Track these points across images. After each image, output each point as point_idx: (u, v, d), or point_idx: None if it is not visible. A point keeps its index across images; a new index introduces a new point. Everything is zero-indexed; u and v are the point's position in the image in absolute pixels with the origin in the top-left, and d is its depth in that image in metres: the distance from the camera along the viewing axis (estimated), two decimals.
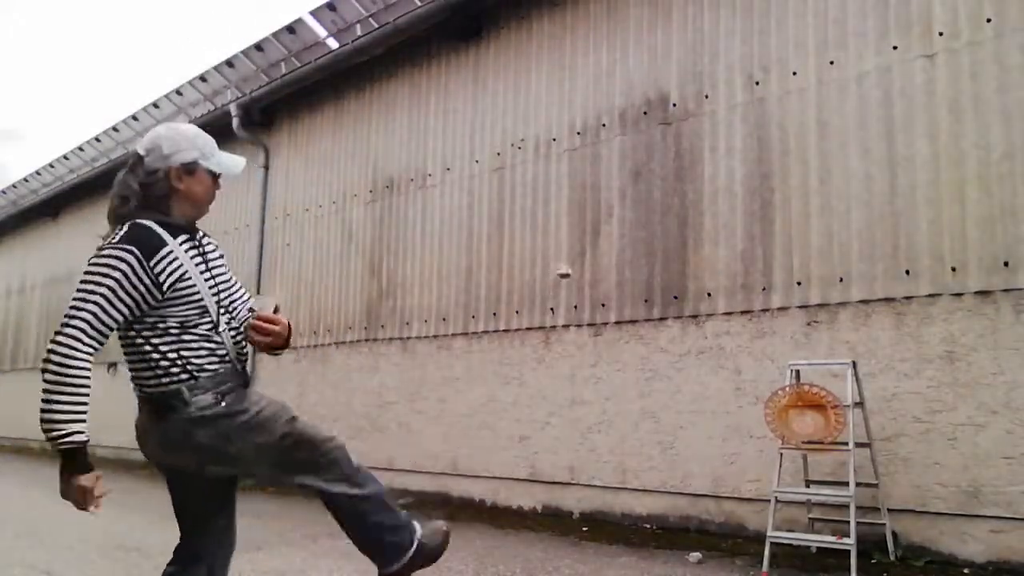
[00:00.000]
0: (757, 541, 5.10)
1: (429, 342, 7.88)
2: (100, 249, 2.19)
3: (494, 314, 7.30)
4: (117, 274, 2.13)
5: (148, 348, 2.21)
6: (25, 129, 65.21)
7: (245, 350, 2.42)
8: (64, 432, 2.02)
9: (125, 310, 2.15)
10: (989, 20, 4.78)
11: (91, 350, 2.08)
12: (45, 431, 2.03)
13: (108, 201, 2.36)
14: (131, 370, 2.27)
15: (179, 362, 2.21)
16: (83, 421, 2.04)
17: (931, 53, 4.98)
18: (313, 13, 9.73)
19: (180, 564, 2.37)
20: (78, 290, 2.13)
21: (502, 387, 7.13)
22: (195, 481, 2.38)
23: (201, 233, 2.44)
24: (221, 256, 2.48)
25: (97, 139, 14.66)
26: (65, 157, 15.71)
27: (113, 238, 2.20)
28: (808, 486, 4.98)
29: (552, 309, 6.82)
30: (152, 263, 2.17)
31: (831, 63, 5.40)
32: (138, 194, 2.31)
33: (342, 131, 9.38)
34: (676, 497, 5.85)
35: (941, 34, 4.95)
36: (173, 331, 2.23)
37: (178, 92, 12.47)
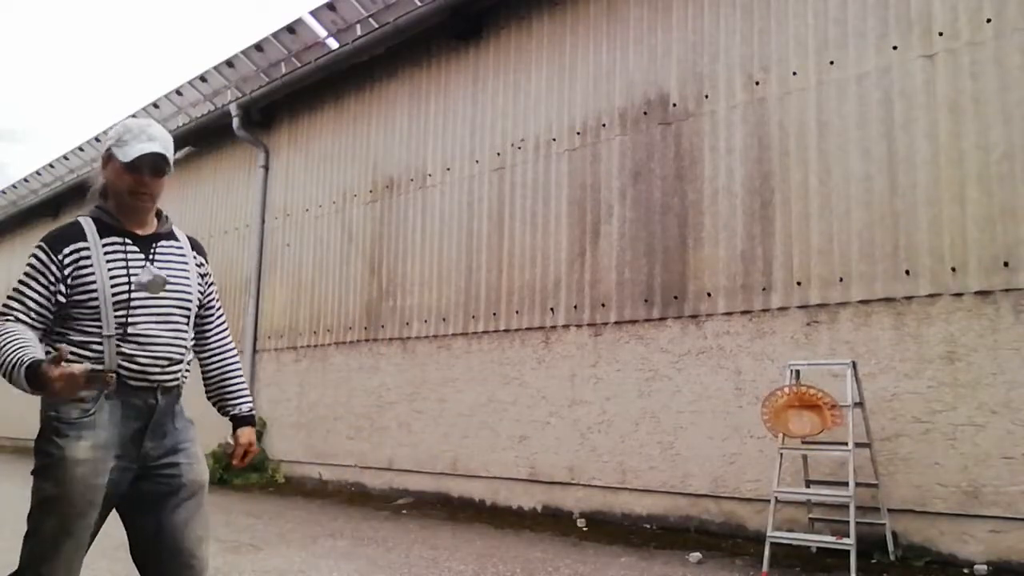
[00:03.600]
0: (757, 541, 5.10)
1: (429, 342, 7.88)
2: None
3: (494, 314, 7.29)
4: (32, 261, 2.30)
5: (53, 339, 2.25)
6: (25, 129, 65.23)
7: (162, 367, 2.29)
8: (14, 365, 2.03)
9: (37, 296, 2.23)
10: (989, 20, 4.78)
11: (11, 317, 2.19)
12: (14, 383, 2.06)
13: None
14: None
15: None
16: (20, 355, 2.04)
17: (931, 53, 4.97)
18: (313, 13, 9.73)
19: None
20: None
21: (502, 387, 7.13)
22: None
23: (162, 236, 2.38)
24: (183, 262, 2.38)
25: (97, 139, 14.66)
26: (65, 157, 15.72)
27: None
28: (808, 486, 4.98)
29: (552, 309, 6.82)
30: (60, 256, 2.26)
31: (831, 63, 5.40)
32: (94, 188, 2.42)
33: (342, 131, 9.38)
34: (676, 497, 5.85)
35: (941, 34, 4.95)
36: (68, 326, 2.25)
37: (178, 92, 12.47)
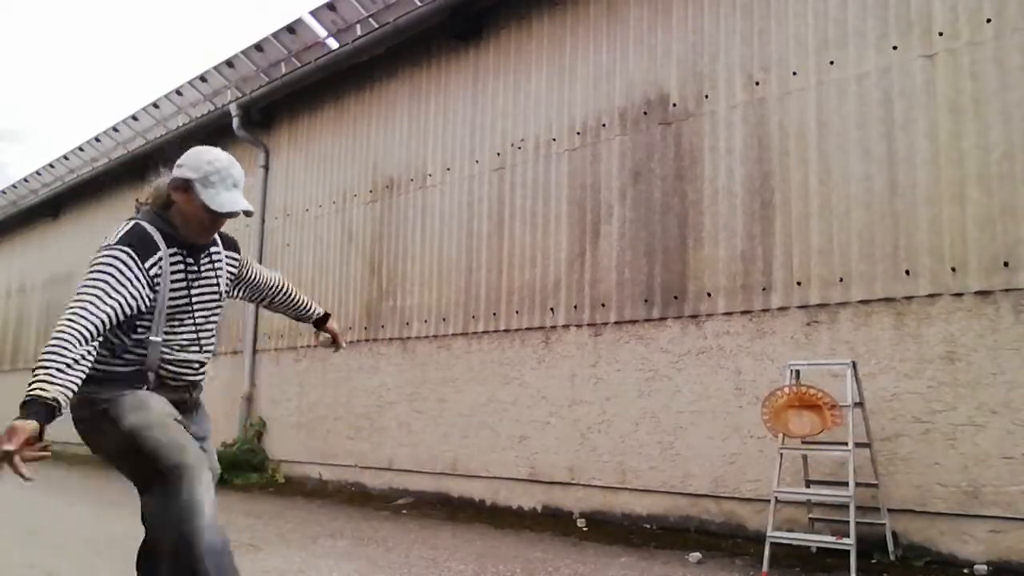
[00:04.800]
0: (757, 541, 5.10)
1: (429, 342, 7.88)
2: (100, 248, 2.29)
3: (494, 314, 7.30)
4: (117, 263, 2.24)
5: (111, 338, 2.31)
6: (25, 129, 65.23)
7: (195, 369, 2.49)
8: (31, 383, 2.07)
9: (116, 304, 2.20)
10: (989, 20, 4.78)
11: (78, 332, 2.11)
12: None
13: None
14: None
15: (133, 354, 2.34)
16: (51, 383, 2.05)
17: (931, 53, 4.98)
18: (313, 13, 9.73)
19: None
20: (80, 286, 2.22)
21: (502, 387, 7.13)
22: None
23: (208, 251, 2.51)
24: (222, 264, 2.55)
25: (97, 139, 14.67)
26: (65, 157, 15.72)
27: (112, 238, 2.31)
28: (808, 486, 4.98)
29: (552, 309, 6.82)
30: (147, 265, 2.29)
31: (831, 63, 5.40)
32: (154, 194, 2.43)
33: (342, 131, 9.38)
34: (676, 497, 5.85)
35: (941, 34, 4.95)
36: (117, 324, 2.29)
37: (178, 92, 12.47)
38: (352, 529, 6.26)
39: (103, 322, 2.16)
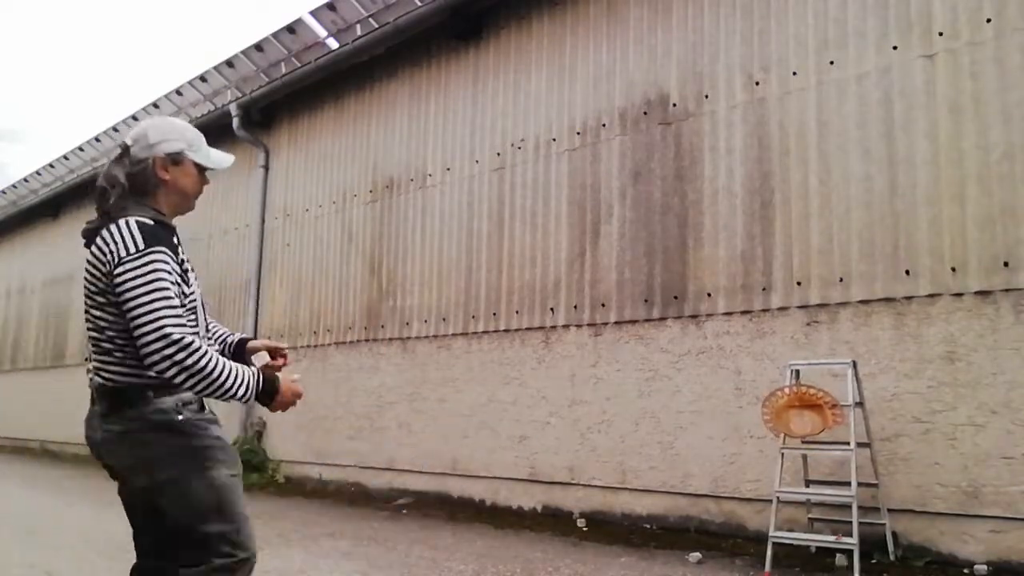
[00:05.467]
0: (757, 541, 5.10)
1: (429, 342, 7.88)
2: (121, 261, 2.04)
3: (494, 314, 7.29)
4: (163, 275, 2.07)
5: (124, 339, 2.10)
6: (25, 129, 65.21)
7: None
8: (245, 390, 2.09)
9: (180, 300, 2.13)
10: (989, 20, 4.78)
11: (189, 333, 2.03)
12: (244, 400, 2.13)
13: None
14: (99, 359, 2.16)
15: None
16: (244, 369, 2.10)
17: (931, 53, 4.98)
18: (313, 13, 9.74)
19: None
20: (138, 302, 2.02)
21: (502, 387, 7.13)
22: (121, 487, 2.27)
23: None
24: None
25: (97, 139, 14.68)
26: (65, 157, 15.73)
27: (129, 244, 2.07)
28: (808, 486, 4.98)
29: (552, 309, 6.82)
30: (178, 258, 2.19)
31: (831, 63, 5.40)
32: (123, 185, 2.21)
33: (342, 131, 9.38)
34: (676, 497, 5.85)
35: (941, 34, 4.95)
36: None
37: (178, 92, 12.47)
38: (352, 529, 6.26)
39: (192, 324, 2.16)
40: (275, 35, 10.31)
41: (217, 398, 2.09)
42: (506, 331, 7.17)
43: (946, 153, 4.86)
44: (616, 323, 6.35)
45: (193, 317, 2.21)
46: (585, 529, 6.08)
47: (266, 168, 10.33)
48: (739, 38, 5.90)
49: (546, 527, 6.15)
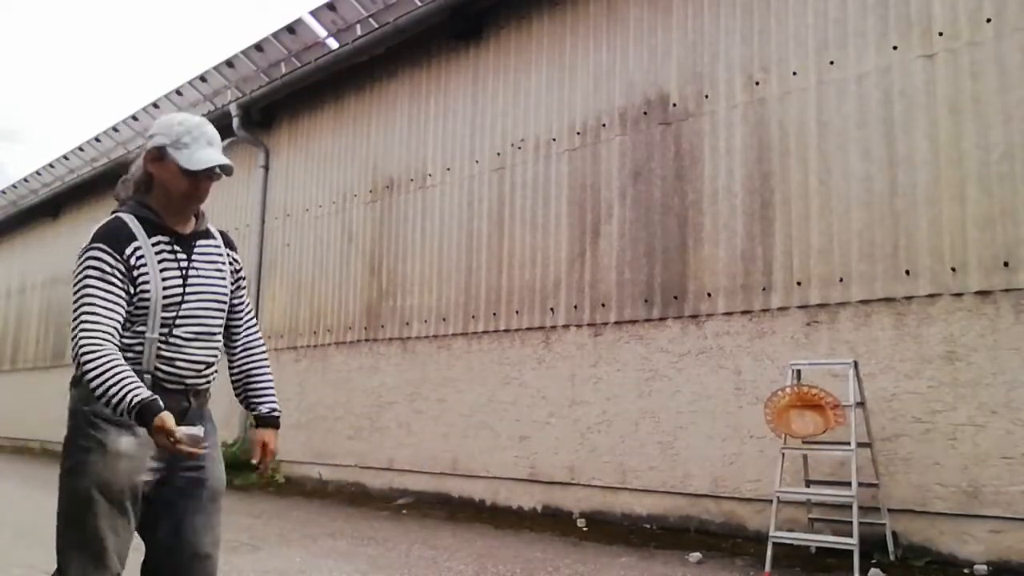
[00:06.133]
0: (757, 541, 5.10)
1: (429, 342, 7.88)
2: (79, 252, 2.17)
3: (494, 314, 7.30)
4: (96, 263, 2.12)
5: None
6: (25, 129, 65.23)
7: (198, 371, 2.28)
8: (125, 403, 1.98)
9: (114, 302, 2.11)
10: (989, 20, 4.78)
11: (98, 342, 2.03)
12: (119, 413, 2.00)
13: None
14: None
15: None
16: (131, 386, 1.99)
17: (931, 53, 4.98)
18: (313, 13, 9.73)
19: None
20: (74, 294, 2.13)
21: (502, 387, 7.13)
22: None
23: (200, 235, 2.33)
24: (221, 260, 2.36)
25: (97, 139, 14.67)
26: (65, 157, 15.72)
27: (88, 239, 2.18)
28: (808, 486, 4.98)
29: (552, 309, 6.82)
30: (124, 256, 2.14)
31: (831, 63, 5.40)
32: (131, 178, 2.28)
33: (342, 131, 9.38)
34: (676, 497, 5.85)
35: (941, 34, 4.95)
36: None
37: (178, 92, 12.47)
38: (352, 529, 6.26)
39: (113, 327, 2.08)
40: (275, 35, 10.31)
41: (106, 404, 2.03)
42: (506, 331, 7.17)
43: (946, 153, 4.86)
44: (616, 323, 6.35)
45: (142, 315, 2.16)
46: (585, 529, 6.08)
47: (266, 168, 10.34)
48: (739, 38, 5.90)
49: (546, 527, 6.15)
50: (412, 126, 8.47)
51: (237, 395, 2.53)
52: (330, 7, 9.49)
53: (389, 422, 8.17)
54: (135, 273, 2.14)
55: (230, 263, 2.41)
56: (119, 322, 2.10)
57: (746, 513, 5.46)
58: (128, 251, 2.14)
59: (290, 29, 10.10)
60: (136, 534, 2.27)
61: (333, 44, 9.75)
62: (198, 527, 2.26)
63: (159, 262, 2.19)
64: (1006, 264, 4.57)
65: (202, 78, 11.89)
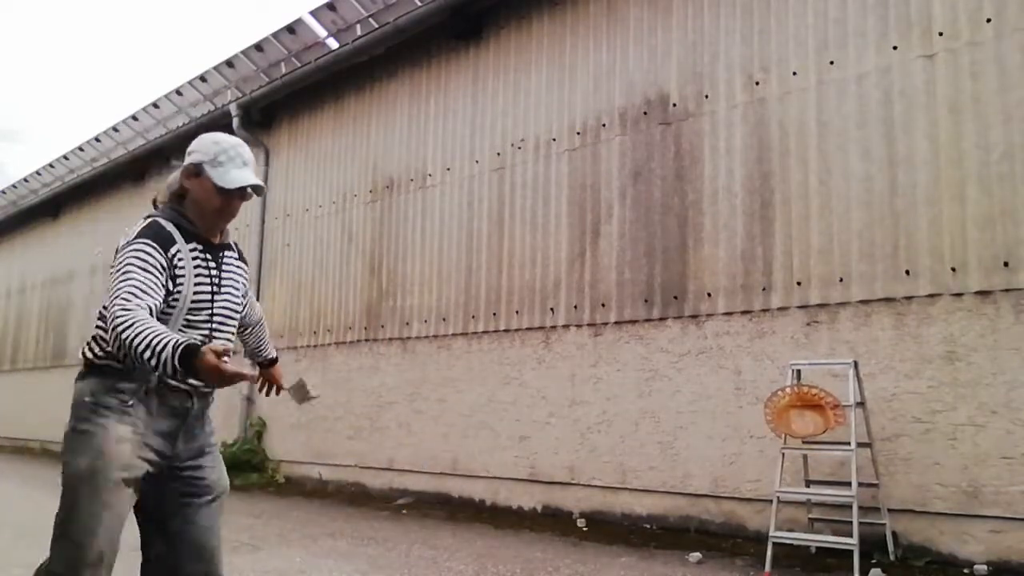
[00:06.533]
0: (757, 541, 5.10)
1: (429, 342, 7.88)
2: (117, 249, 2.23)
3: (494, 314, 7.30)
4: (142, 255, 2.17)
5: (99, 317, 2.27)
6: (25, 129, 65.24)
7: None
8: (164, 352, 1.97)
9: (158, 284, 2.16)
10: (989, 20, 4.78)
11: (135, 307, 2.05)
12: (158, 367, 1.99)
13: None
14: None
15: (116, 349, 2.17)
16: (170, 337, 2.00)
17: (931, 53, 4.98)
18: (313, 13, 9.74)
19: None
20: (113, 280, 2.15)
21: (502, 387, 7.13)
22: None
23: (225, 247, 2.45)
24: (241, 272, 2.51)
25: (97, 139, 14.67)
26: (65, 157, 15.72)
27: (130, 236, 2.25)
28: (808, 486, 4.98)
29: (552, 309, 6.82)
30: (168, 254, 2.24)
31: (831, 63, 5.40)
32: (168, 189, 2.40)
33: (342, 131, 9.38)
34: (676, 497, 5.85)
35: (941, 34, 4.95)
36: None
37: (178, 92, 12.47)
38: (352, 529, 6.26)
39: (149, 305, 2.11)
40: (275, 35, 10.31)
41: (137, 362, 2.03)
42: (506, 331, 7.17)
43: (946, 153, 4.86)
44: (616, 323, 6.35)
45: (168, 315, 2.24)
46: (585, 529, 6.08)
47: (266, 168, 10.33)
48: (739, 38, 5.90)
49: (546, 527, 6.15)
50: (412, 126, 8.47)
51: (245, 354, 2.89)
52: (330, 7, 9.49)
53: (389, 422, 8.17)
54: (174, 272, 2.24)
55: (244, 275, 2.57)
56: (155, 306, 2.14)
57: (746, 513, 5.46)
58: (172, 251, 2.25)
59: (290, 29, 10.10)
60: (141, 535, 2.33)
61: (333, 44, 9.75)
62: (202, 526, 2.33)
63: (195, 268, 2.31)
64: (1006, 264, 4.57)
65: (202, 78, 11.89)
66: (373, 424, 8.35)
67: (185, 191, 2.36)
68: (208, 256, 2.37)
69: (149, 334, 1.99)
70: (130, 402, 2.22)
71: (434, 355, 7.81)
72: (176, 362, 1.96)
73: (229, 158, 2.33)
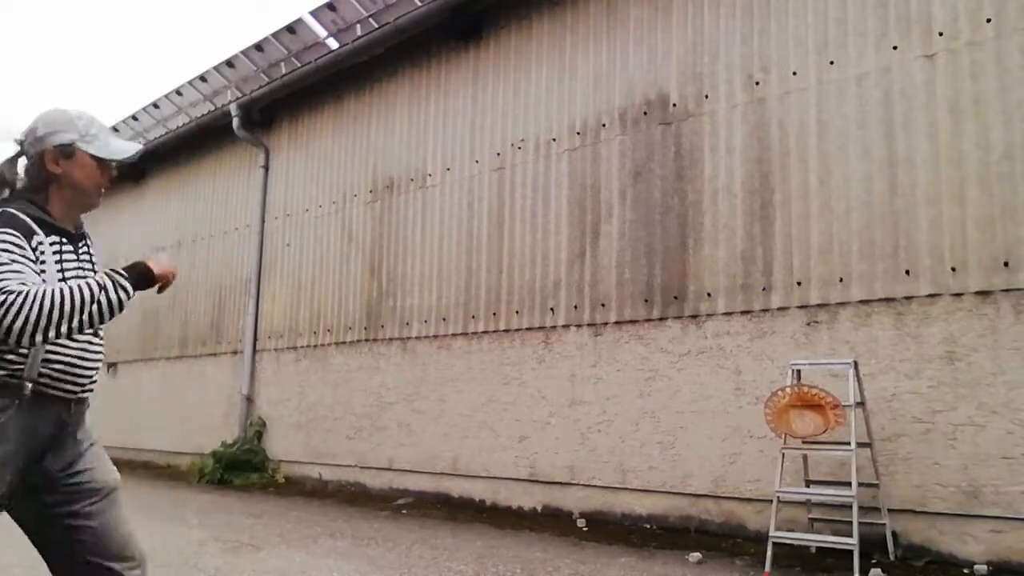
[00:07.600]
0: (757, 541, 5.10)
1: (429, 342, 7.88)
2: None
3: (494, 314, 7.29)
4: (7, 245, 1.96)
5: None
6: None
7: (89, 376, 2.14)
8: (108, 289, 1.95)
9: (33, 273, 1.97)
10: (989, 20, 4.78)
11: (27, 287, 1.89)
12: (111, 310, 1.94)
13: None
14: None
15: None
16: (96, 278, 1.94)
17: (931, 53, 4.98)
18: (313, 13, 9.74)
19: None
20: None
21: (502, 387, 7.13)
22: None
23: (82, 236, 2.24)
24: (92, 264, 2.26)
25: None
26: None
27: None
28: (808, 486, 4.98)
29: (552, 309, 6.82)
30: (31, 243, 2.02)
31: (831, 63, 5.40)
32: (11, 184, 2.14)
33: (342, 131, 9.38)
34: (676, 497, 5.85)
35: (941, 34, 4.95)
36: None
37: (178, 92, 12.46)
38: (352, 529, 6.26)
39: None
40: (275, 35, 10.31)
41: (85, 323, 1.92)
42: (506, 331, 7.17)
43: (946, 153, 4.86)
44: (616, 323, 6.35)
45: None
46: (585, 529, 6.08)
47: (266, 168, 10.33)
48: (739, 38, 5.90)
49: (546, 527, 6.15)
50: (412, 126, 8.47)
51: None
52: (330, 7, 9.49)
53: (389, 422, 8.17)
54: (38, 267, 2.02)
55: (94, 258, 2.34)
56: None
57: (746, 513, 5.46)
58: (33, 242, 2.03)
59: (290, 29, 10.10)
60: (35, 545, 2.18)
61: (333, 44, 9.75)
62: (100, 529, 2.17)
63: (56, 263, 2.08)
64: (1006, 264, 4.58)
65: (202, 78, 11.88)
66: (373, 424, 8.35)
67: (52, 178, 2.12)
68: (69, 247, 2.15)
69: (69, 291, 1.88)
70: (1, 419, 1.98)
71: (434, 355, 7.81)
72: (130, 287, 1.91)
73: (99, 129, 2.19)
